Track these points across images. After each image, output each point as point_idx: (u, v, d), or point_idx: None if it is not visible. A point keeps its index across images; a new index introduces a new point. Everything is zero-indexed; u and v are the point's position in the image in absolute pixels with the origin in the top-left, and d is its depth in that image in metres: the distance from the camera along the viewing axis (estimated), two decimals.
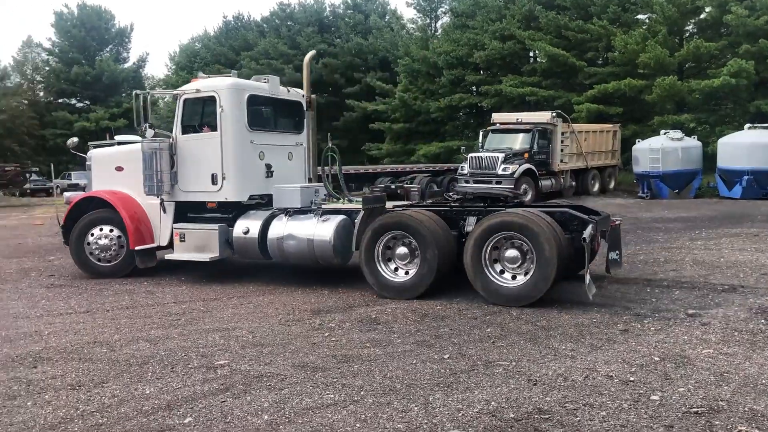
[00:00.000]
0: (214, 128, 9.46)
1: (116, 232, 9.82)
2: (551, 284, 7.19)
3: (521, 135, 23.32)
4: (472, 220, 8.00)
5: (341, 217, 8.82)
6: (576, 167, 25.09)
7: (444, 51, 36.39)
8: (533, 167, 22.28)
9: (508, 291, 7.40)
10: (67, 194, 11.06)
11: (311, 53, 11.78)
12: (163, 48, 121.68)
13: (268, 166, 9.87)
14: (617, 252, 8.29)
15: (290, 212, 9.14)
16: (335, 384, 4.97)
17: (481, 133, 25.02)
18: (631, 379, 4.88)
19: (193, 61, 56.95)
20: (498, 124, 24.46)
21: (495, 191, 9.13)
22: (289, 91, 10.51)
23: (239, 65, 50.17)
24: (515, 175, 21.37)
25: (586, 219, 7.53)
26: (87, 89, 55.28)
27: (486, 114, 32.06)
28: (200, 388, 4.96)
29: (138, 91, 9.66)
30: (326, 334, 6.41)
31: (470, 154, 23.36)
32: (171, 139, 9.61)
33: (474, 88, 38.19)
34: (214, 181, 9.39)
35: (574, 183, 25.00)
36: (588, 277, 7.06)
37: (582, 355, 5.50)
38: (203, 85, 9.78)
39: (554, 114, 24.28)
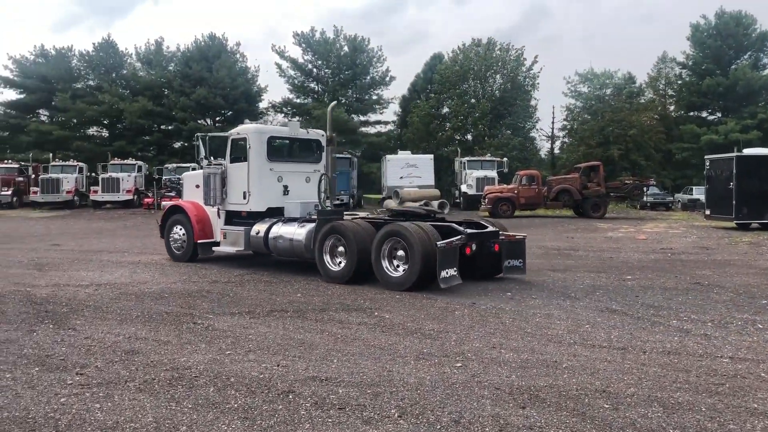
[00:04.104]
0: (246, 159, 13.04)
1: (183, 231, 13.87)
2: (420, 276, 9.70)
3: None
4: None
5: (314, 224, 11.53)
6: None
7: None
8: None
9: (393, 279, 10.06)
10: (164, 203, 15.49)
11: (333, 104, 14.46)
12: None
13: (285, 187, 13.14)
14: (520, 260, 11.25)
15: (285, 220, 12.38)
16: None
17: None
18: None
19: None
20: None
21: (410, 209, 12.08)
22: (308, 132, 13.89)
23: None
24: None
25: (459, 231, 10.22)
26: (718, 100, 53.26)
27: None
28: None
29: (198, 134, 13.80)
30: None
31: None
32: (223, 167, 13.35)
33: None
34: (244, 196, 12.96)
35: None
36: (444, 273, 9.55)
37: None
38: (240, 129, 13.55)
39: None
